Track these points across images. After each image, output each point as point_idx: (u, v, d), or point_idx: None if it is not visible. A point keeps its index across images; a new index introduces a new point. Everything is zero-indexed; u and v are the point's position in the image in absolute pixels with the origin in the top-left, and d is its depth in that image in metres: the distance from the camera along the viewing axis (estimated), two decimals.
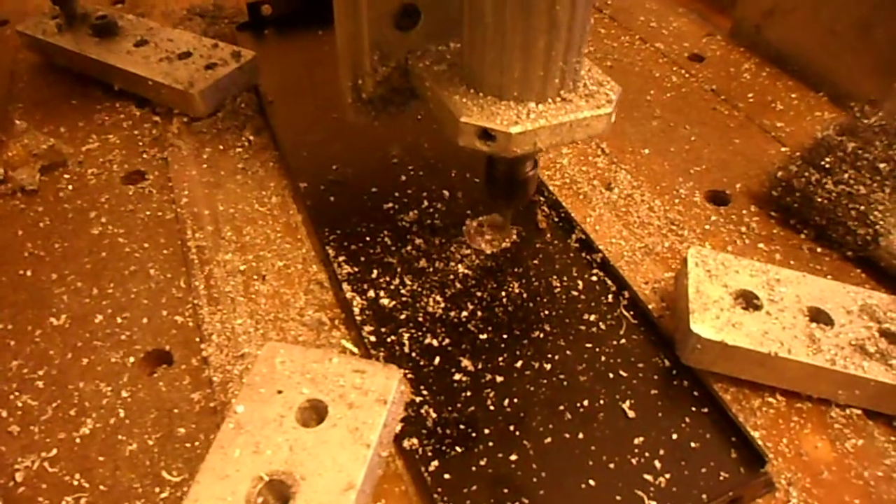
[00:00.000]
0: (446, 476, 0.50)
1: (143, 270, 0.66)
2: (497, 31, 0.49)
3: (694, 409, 0.54)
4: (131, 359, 0.59)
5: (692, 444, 0.52)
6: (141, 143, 0.81)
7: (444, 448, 0.51)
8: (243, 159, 0.77)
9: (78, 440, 0.54)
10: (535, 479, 0.50)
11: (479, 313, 0.60)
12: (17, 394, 0.57)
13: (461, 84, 0.54)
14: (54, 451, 0.53)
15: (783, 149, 0.80)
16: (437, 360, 0.57)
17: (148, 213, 0.72)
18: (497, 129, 0.50)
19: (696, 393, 0.55)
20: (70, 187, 0.76)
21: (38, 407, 0.56)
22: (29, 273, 0.67)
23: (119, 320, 0.62)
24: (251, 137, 0.79)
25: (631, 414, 0.54)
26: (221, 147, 0.79)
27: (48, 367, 0.59)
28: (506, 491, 0.49)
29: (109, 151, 0.80)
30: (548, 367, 0.57)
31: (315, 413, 0.48)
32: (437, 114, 0.56)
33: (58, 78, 0.92)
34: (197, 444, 0.53)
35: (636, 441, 0.52)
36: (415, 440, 0.51)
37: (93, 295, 0.64)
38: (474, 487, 0.49)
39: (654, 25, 1.02)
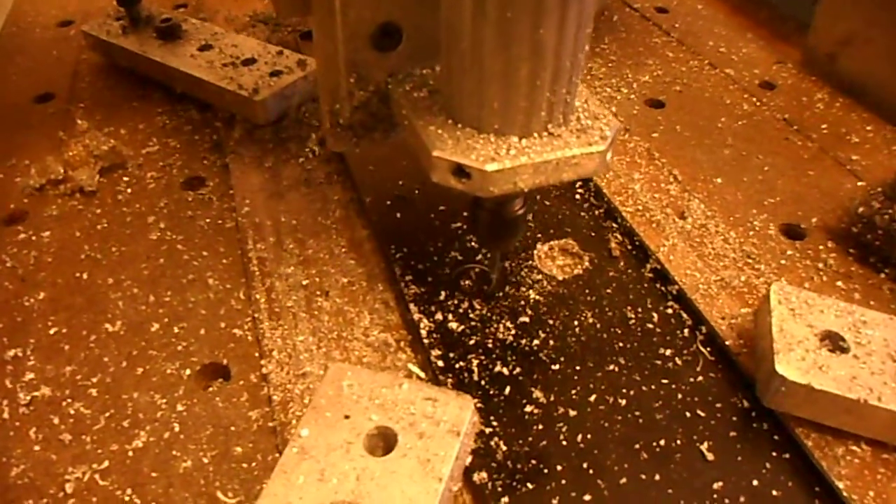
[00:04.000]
0: None
1: (201, 279, 0.65)
2: (474, 58, 0.44)
3: (775, 454, 0.51)
4: (187, 371, 0.57)
5: (773, 492, 0.49)
6: (201, 149, 0.80)
7: (514, 483, 0.49)
8: (306, 170, 0.76)
9: (130, 453, 0.52)
10: None
11: (552, 342, 0.58)
12: (69, 401, 0.56)
13: (440, 113, 0.50)
14: (106, 464, 0.52)
15: (859, 183, 0.76)
16: (507, 389, 0.54)
17: (207, 220, 0.71)
18: (471, 166, 0.46)
19: (776, 437, 0.52)
20: (129, 190, 0.75)
21: (90, 416, 0.55)
22: (85, 276, 0.66)
23: (176, 330, 0.60)
24: (315, 148, 0.78)
25: (710, 456, 0.51)
26: (284, 156, 0.78)
27: (102, 374, 0.57)
28: None
29: (169, 155, 0.79)
30: (623, 402, 0.54)
31: (383, 441, 0.46)
32: (413, 145, 0.51)
33: (120, 79, 0.92)
34: (254, 464, 0.51)
35: (715, 486, 0.49)
36: (484, 474, 0.49)
37: (149, 302, 0.63)
38: None
39: (724, 51, 0.99)
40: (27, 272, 0.66)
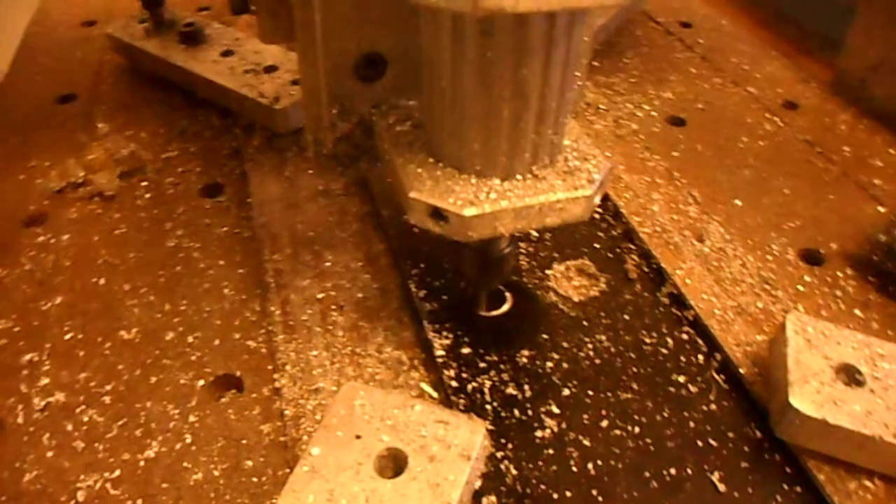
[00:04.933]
0: None
1: (217, 289, 0.65)
2: (455, 97, 0.43)
3: (786, 486, 0.51)
4: (201, 382, 0.57)
5: None
6: (220, 155, 0.80)
7: None
8: (325, 181, 0.76)
9: (142, 463, 0.52)
10: None
11: (565, 365, 0.57)
12: (83, 407, 0.56)
13: (422, 150, 0.48)
14: (118, 473, 0.52)
15: (881, 209, 0.75)
16: (517, 412, 0.54)
17: (225, 228, 0.71)
18: (449, 210, 0.44)
19: (788, 469, 0.52)
20: (147, 195, 0.75)
21: (103, 424, 0.55)
22: (102, 281, 0.66)
23: (190, 339, 0.61)
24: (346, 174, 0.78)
25: (721, 487, 0.50)
26: (303, 166, 0.78)
27: (116, 382, 0.58)
28: None
29: (188, 161, 0.79)
30: (635, 429, 0.53)
31: (393, 463, 0.46)
32: (392, 182, 0.49)
33: (142, 82, 0.92)
34: (265, 479, 0.51)
35: None
36: (493, 498, 0.49)
37: (165, 310, 0.63)
38: None
39: (747, 69, 0.98)
40: (45, 276, 0.67)
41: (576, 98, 0.46)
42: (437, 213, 0.45)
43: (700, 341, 0.60)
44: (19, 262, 0.68)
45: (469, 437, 0.46)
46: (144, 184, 0.77)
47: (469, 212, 0.44)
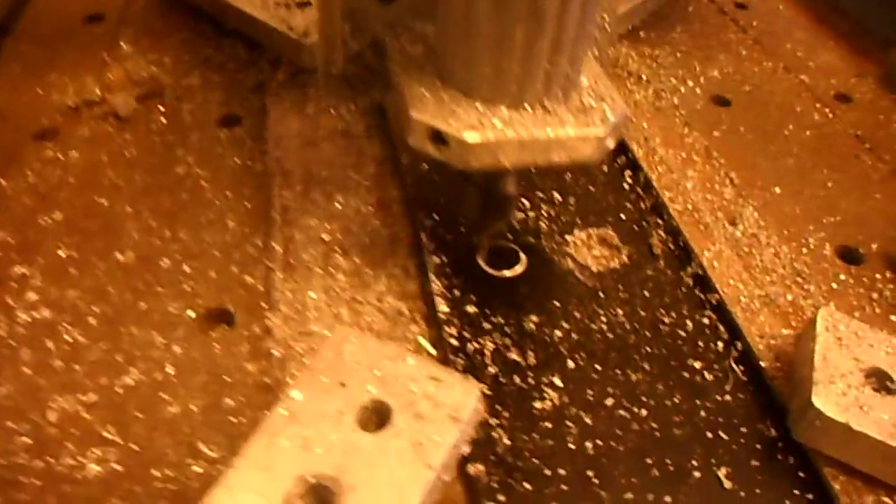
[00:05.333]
0: None
1: (220, 221, 0.62)
2: (466, 15, 0.40)
3: (797, 492, 0.47)
4: (191, 312, 0.55)
5: None
6: (243, 88, 0.77)
7: (511, 481, 0.45)
8: (346, 121, 0.72)
9: (119, 390, 0.50)
10: None
11: (574, 336, 0.54)
12: (68, 326, 0.54)
13: (431, 74, 0.45)
14: (93, 397, 0.50)
15: None
16: (518, 379, 0.51)
17: (237, 160, 0.68)
18: (450, 133, 0.41)
19: (802, 474, 0.48)
20: (163, 120, 0.73)
21: (85, 345, 0.53)
22: (104, 202, 0.63)
23: (186, 269, 0.58)
24: (358, 99, 0.74)
25: (727, 484, 0.47)
26: (325, 104, 0.74)
27: (104, 304, 0.55)
28: None
29: (210, 90, 0.77)
30: (642, 412, 0.50)
31: (376, 416, 0.43)
32: (398, 104, 0.46)
33: (172, 8, 0.89)
34: (243, 420, 0.48)
35: None
36: (481, 466, 0.45)
37: (164, 237, 0.60)
38: None
39: (801, 56, 0.93)
40: (48, 191, 0.64)
41: (603, 43, 0.43)
42: (438, 137, 0.42)
43: (721, 328, 0.56)
44: (24, 175, 0.66)
45: (461, 398, 0.43)
46: (162, 108, 0.74)
47: (471, 136, 0.41)
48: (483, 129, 0.42)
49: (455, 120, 0.42)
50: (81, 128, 0.71)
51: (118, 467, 0.46)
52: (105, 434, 0.48)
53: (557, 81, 0.43)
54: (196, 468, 0.46)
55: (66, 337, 0.53)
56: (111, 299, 0.56)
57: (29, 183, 0.65)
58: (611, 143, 0.45)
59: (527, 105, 0.43)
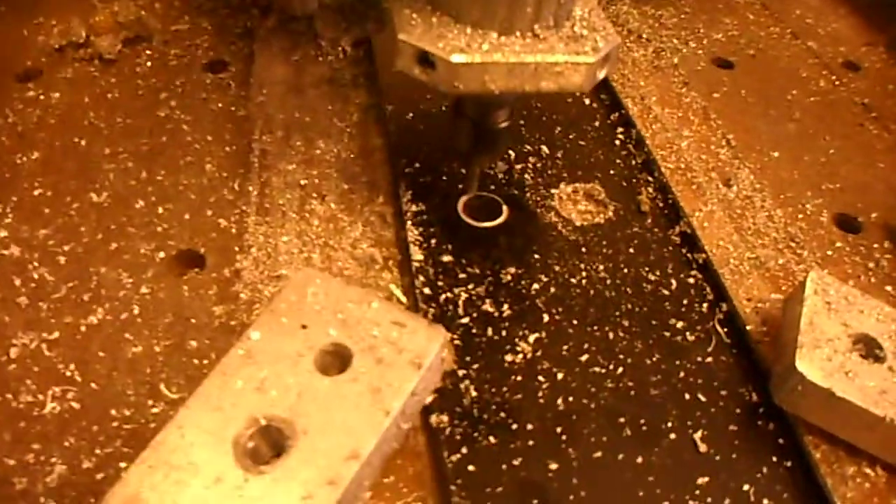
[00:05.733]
0: (470, 468, 0.42)
1: (199, 163, 0.61)
2: None
3: (775, 459, 0.46)
4: (161, 254, 0.54)
5: (764, 501, 0.44)
6: (232, 34, 0.75)
7: (476, 434, 0.44)
8: (334, 69, 0.70)
9: (83, 328, 0.49)
10: (571, 497, 0.42)
11: (553, 290, 0.52)
12: (35, 265, 0.53)
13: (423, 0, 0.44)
14: (56, 335, 0.49)
15: None
16: (491, 331, 0.49)
17: (220, 105, 0.67)
18: (437, 55, 0.41)
19: (781, 441, 0.47)
20: (149, 64, 0.71)
21: (52, 283, 0.52)
22: (83, 143, 0.62)
23: (160, 210, 0.57)
24: (347, 48, 0.72)
25: (702, 447, 0.45)
26: (314, 52, 0.72)
27: (75, 243, 0.54)
28: (535, 502, 0.41)
29: (198, 35, 0.75)
30: (618, 370, 0.48)
31: (338, 360, 0.41)
32: (388, 29, 0.46)
33: None
34: (206, 362, 0.47)
35: (700, 481, 0.44)
36: (445, 417, 0.44)
37: (141, 178, 0.59)
38: (499, 489, 0.42)
39: (811, 22, 0.91)
40: (27, 130, 0.63)
41: None
42: (425, 59, 0.42)
43: (707, 288, 0.55)
44: (4, 114, 0.65)
45: (425, 344, 0.41)
46: (148, 52, 0.72)
47: (457, 58, 0.41)
48: (471, 52, 0.41)
49: (443, 42, 0.41)
50: (65, 69, 0.70)
51: (76, 405, 0.45)
52: (66, 372, 0.47)
53: (549, 7, 0.42)
54: (155, 409, 0.45)
55: (33, 274, 0.52)
56: (82, 239, 0.55)
57: (8, 122, 0.64)
58: (601, 75, 0.44)
59: (517, 31, 0.42)
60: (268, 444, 0.38)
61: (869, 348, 0.47)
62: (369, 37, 0.61)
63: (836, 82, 0.80)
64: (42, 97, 0.67)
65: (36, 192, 0.58)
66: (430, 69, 0.42)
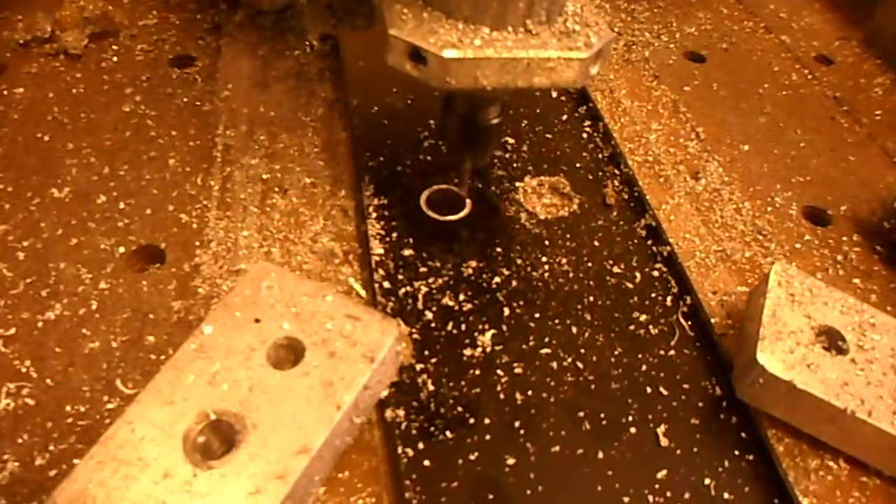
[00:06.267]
0: (426, 463, 0.42)
1: (162, 158, 0.60)
2: None
3: (737, 452, 0.46)
4: (121, 249, 0.53)
5: (725, 495, 0.43)
6: (199, 29, 0.75)
7: (432, 429, 0.43)
8: (300, 63, 0.70)
9: (40, 324, 0.48)
10: (528, 492, 0.42)
11: (514, 283, 0.52)
12: None
13: None
14: (13, 331, 0.48)
15: None
16: (450, 325, 0.49)
17: (186, 100, 0.66)
18: (429, 50, 0.40)
19: (744, 434, 0.46)
20: (115, 59, 0.70)
21: (10, 279, 0.51)
22: (46, 138, 0.61)
23: (122, 205, 0.56)
24: (314, 42, 0.72)
25: (663, 441, 0.45)
26: (280, 47, 0.72)
27: (35, 239, 0.53)
28: (491, 497, 0.41)
29: (165, 31, 0.74)
30: (578, 364, 0.48)
31: (291, 354, 0.41)
32: (378, 25, 0.45)
33: None
34: (163, 357, 0.47)
35: (660, 475, 0.44)
36: (401, 412, 0.44)
37: (103, 173, 0.59)
38: (455, 484, 0.41)
39: (784, 16, 0.91)
40: None
41: None
42: (416, 55, 0.41)
43: (672, 281, 0.54)
44: None
45: (378, 337, 0.41)
46: (114, 48, 0.72)
47: (449, 53, 0.40)
48: (462, 47, 0.41)
49: (434, 37, 0.41)
50: (30, 65, 0.69)
51: (31, 402, 0.45)
52: (21, 368, 0.46)
53: (541, 3, 0.42)
54: (110, 405, 0.45)
55: None
56: (41, 234, 0.54)
57: None
58: (594, 70, 0.44)
59: (509, 26, 0.42)
60: (218, 439, 0.38)
61: (832, 340, 0.47)
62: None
63: (809, 76, 0.80)
64: (6, 92, 0.66)
65: None
66: (421, 65, 0.41)
